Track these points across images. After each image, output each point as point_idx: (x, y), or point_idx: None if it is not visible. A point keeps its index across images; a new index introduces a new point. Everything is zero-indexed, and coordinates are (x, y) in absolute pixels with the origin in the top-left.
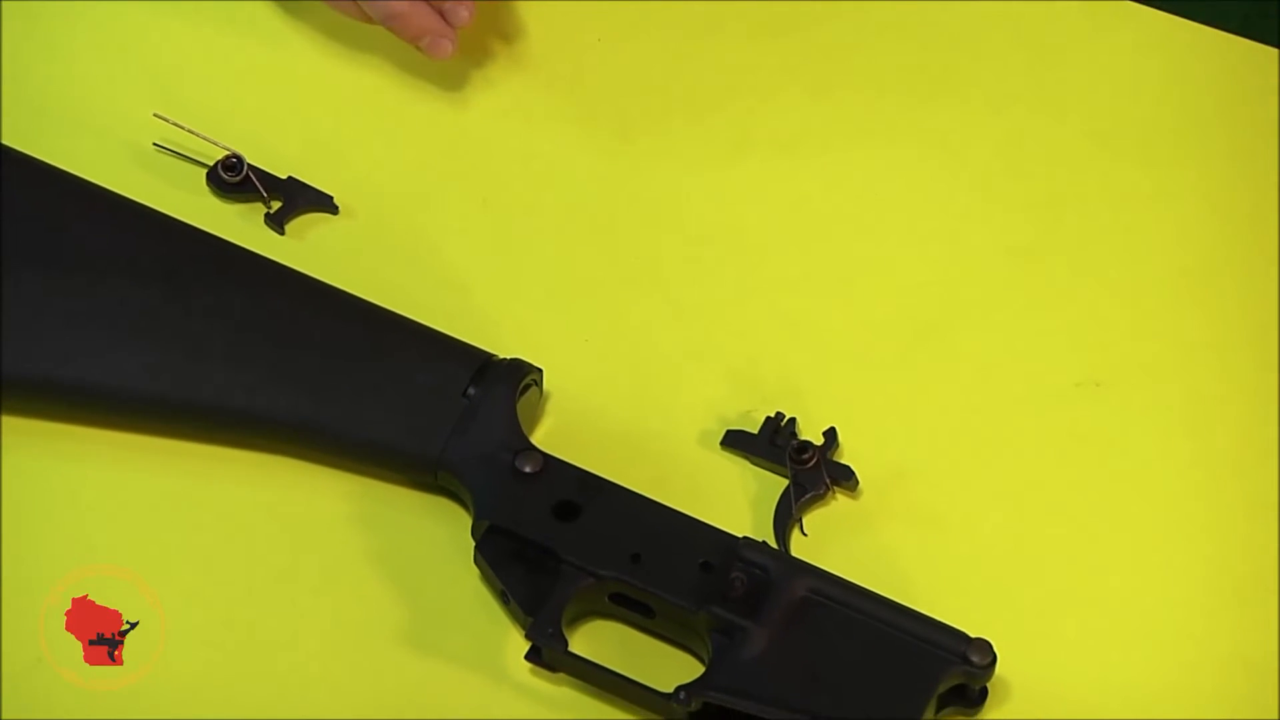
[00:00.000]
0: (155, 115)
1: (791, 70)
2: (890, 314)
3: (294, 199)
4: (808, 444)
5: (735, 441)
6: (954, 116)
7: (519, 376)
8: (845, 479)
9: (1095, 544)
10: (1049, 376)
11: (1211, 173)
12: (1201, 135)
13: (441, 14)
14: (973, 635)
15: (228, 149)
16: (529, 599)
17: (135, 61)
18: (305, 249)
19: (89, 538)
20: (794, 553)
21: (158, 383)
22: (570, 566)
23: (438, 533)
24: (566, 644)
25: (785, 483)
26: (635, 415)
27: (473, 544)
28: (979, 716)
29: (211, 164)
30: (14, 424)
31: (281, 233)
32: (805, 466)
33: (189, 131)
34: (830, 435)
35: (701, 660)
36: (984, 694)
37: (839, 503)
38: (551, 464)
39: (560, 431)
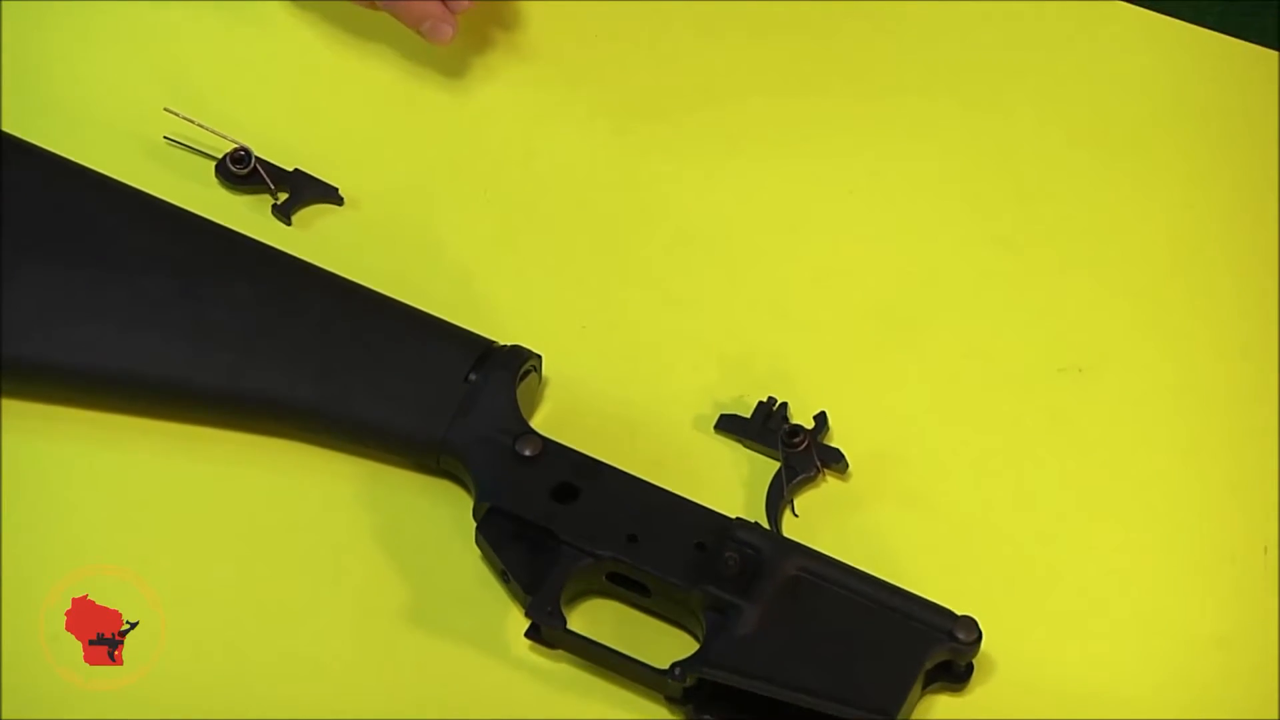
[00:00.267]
0: (166, 110)
1: (781, 68)
2: (878, 302)
3: (300, 191)
4: (799, 428)
5: (728, 425)
6: (940, 111)
7: (519, 362)
8: (835, 461)
9: (1076, 524)
10: (1032, 362)
11: (1192, 165)
12: (1183, 128)
13: None
14: (958, 613)
15: (236, 142)
16: (529, 578)
17: (146, 58)
18: (311, 239)
19: (90, 520)
20: (785, 533)
21: (167, 367)
22: (569, 547)
23: (440, 514)
24: (565, 622)
25: (777, 465)
26: (631, 400)
27: (474, 525)
28: (965, 691)
29: (220, 157)
30: (13, 423)
31: (288, 223)
32: (796, 449)
33: (198, 125)
34: (820, 419)
35: (696, 637)
36: (970, 669)
37: (829, 484)
38: (550, 447)
39: (559, 416)
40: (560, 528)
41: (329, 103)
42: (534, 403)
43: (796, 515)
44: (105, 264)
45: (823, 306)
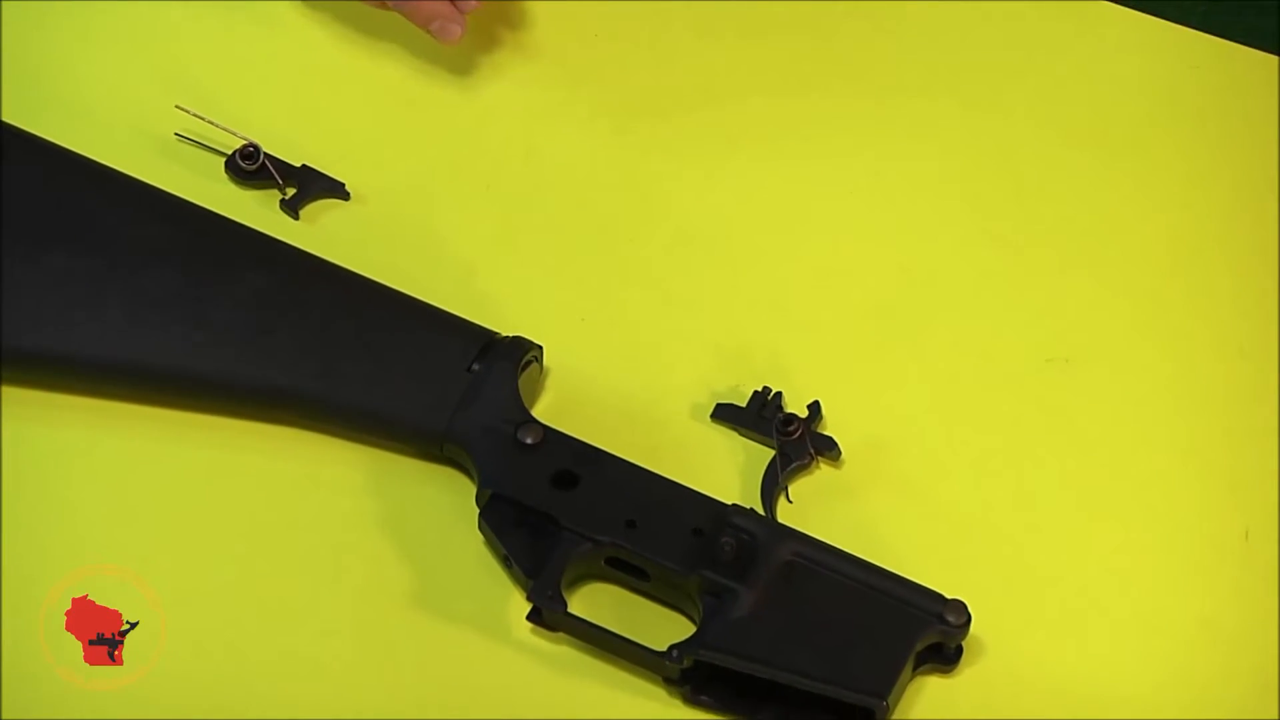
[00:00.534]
0: (177, 107)
1: (781, 68)
2: (876, 299)
3: (308, 186)
4: (793, 416)
5: (725, 414)
6: (939, 111)
7: (521, 353)
8: (829, 449)
9: (1063, 511)
10: (1021, 353)
11: (1189, 165)
12: (1179, 129)
13: None
14: (948, 596)
15: (245, 138)
16: (530, 563)
17: (157, 55)
18: (318, 233)
19: (90, 512)
20: (780, 519)
21: (173, 357)
22: (569, 532)
23: (443, 501)
24: (566, 605)
25: (772, 453)
26: (630, 390)
27: (477, 511)
28: (954, 673)
29: (230, 153)
30: (12, 410)
31: (296, 218)
32: (791, 438)
33: (208, 122)
34: (815, 408)
35: (693, 620)
36: (959, 652)
37: (823, 472)
38: (551, 436)
39: (559, 405)
40: (561, 514)
41: (337, 100)
42: (535, 392)
43: (791, 502)
44: (114, 256)
45: (819, 303)
